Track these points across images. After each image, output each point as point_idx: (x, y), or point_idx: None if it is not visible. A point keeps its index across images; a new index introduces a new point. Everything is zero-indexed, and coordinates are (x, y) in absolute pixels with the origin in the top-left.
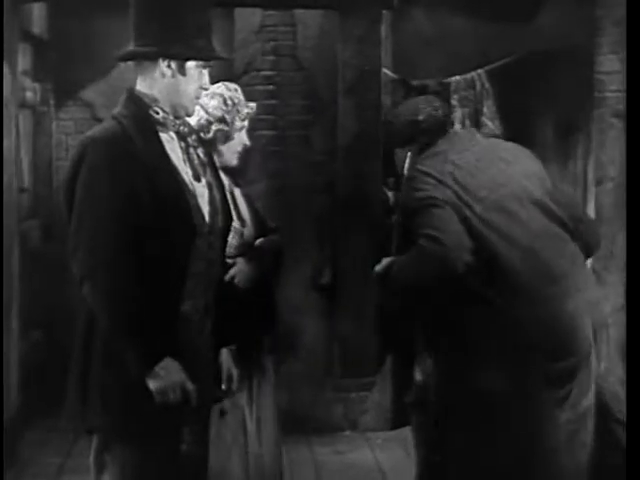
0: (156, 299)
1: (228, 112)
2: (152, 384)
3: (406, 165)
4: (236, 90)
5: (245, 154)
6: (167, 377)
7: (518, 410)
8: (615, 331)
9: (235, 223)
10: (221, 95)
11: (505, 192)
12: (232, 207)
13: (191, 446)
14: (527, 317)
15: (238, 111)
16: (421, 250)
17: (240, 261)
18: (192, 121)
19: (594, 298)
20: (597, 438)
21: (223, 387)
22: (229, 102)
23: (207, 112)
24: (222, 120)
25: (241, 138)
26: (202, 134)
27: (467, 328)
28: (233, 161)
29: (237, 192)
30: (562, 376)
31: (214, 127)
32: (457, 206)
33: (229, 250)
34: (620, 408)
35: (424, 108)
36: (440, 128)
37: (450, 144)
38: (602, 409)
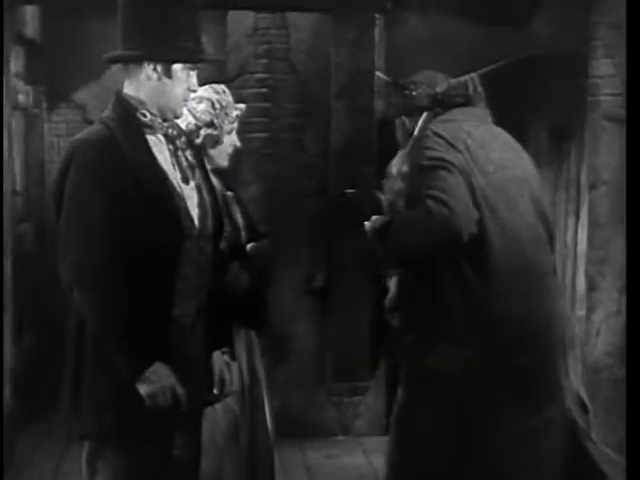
0: (146, 303)
1: (217, 116)
2: (142, 389)
3: (418, 126)
4: (224, 92)
5: (237, 156)
6: (157, 381)
7: (480, 405)
8: (609, 336)
9: (226, 228)
10: (209, 99)
11: (510, 175)
12: (224, 211)
13: (183, 451)
14: (502, 306)
15: (227, 114)
16: (428, 212)
17: (234, 266)
18: (181, 126)
19: (566, 311)
20: (571, 457)
21: (215, 391)
22: (217, 106)
23: (195, 117)
24: (211, 124)
25: (231, 140)
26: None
27: (444, 304)
28: (224, 163)
29: (230, 195)
30: (525, 376)
31: (203, 132)
32: (466, 173)
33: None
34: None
35: (442, 81)
36: (456, 103)
37: (466, 115)
38: (575, 428)
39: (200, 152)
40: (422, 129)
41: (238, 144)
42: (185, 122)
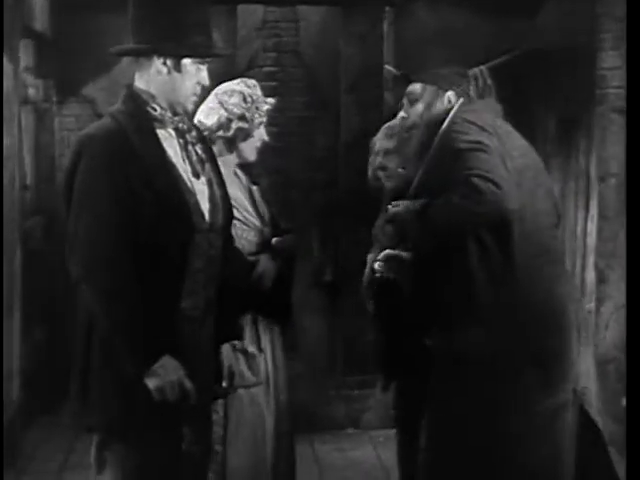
0: (154, 297)
1: (248, 109)
2: (150, 382)
3: (450, 115)
4: (255, 86)
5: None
6: (165, 375)
7: (506, 388)
8: (617, 329)
9: (256, 221)
10: (241, 92)
11: (530, 162)
12: (251, 205)
13: (192, 444)
14: (525, 288)
15: (257, 108)
16: (475, 190)
17: (264, 258)
18: (212, 119)
19: (576, 293)
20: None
21: (224, 384)
22: (249, 99)
23: (227, 110)
24: (242, 118)
25: (260, 134)
26: (222, 132)
27: (470, 287)
28: (252, 157)
29: (255, 190)
30: (546, 358)
31: (234, 125)
32: (500, 155)
33: (250, 248)
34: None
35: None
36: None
37: (485, 107)
38: (585, 410)
39: (231, 146)
40: (454, 117)
41: (266, 138)
42: (217, 115)
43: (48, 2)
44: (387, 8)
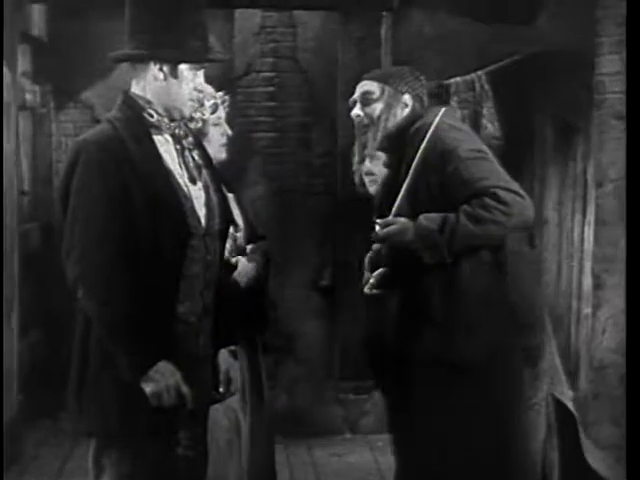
0: (150, 302)
1: (195, 110)
2: (147, 388)
3: (436, 121)
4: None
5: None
6: (161, 380)
7: (503, 385)
8: (614, 333)
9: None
10: None
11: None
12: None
13: (188, 449)
14: (516, 290)
15: (203, 105)
16: (501, 201)
17: (242, 260)
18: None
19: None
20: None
21: (221, 389)
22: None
23: None
24: (191, 119)
25: (221, 130)
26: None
27: (464, 292)
28: (220, 155)
29: (230, 197)
30: (534, 353)
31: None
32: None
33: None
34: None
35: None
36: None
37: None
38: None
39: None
40: (439, 123)
41: (230, 132)
42: None
43: (45, 8)
44: (384, 13)
